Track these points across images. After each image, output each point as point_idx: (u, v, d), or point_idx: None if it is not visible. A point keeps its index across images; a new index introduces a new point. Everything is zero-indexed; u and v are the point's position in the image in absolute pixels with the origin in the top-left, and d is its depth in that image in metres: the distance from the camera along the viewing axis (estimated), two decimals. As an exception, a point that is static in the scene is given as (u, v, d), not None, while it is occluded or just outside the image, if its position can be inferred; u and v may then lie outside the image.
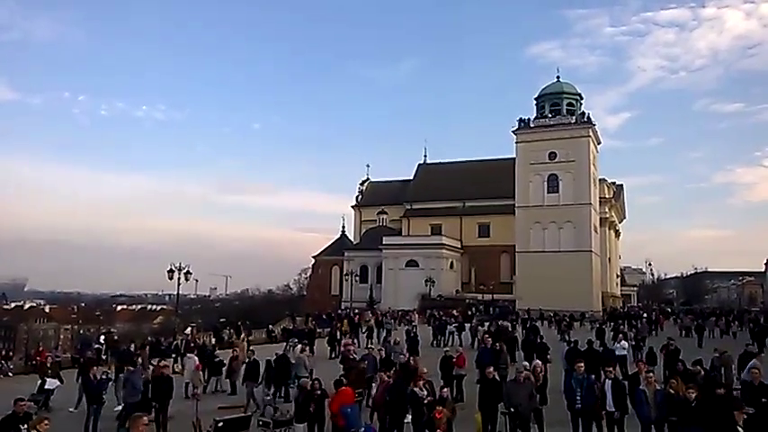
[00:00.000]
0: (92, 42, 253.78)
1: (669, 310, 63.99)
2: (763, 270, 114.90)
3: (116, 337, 31.80)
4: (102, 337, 30.33)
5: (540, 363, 14.88)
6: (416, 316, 45.78)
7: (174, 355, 24.82)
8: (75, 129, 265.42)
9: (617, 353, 20.54)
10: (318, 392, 11.35)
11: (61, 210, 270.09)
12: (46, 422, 8.00)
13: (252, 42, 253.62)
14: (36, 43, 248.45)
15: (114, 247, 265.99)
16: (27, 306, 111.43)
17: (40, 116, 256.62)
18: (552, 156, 67.33)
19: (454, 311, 48.70)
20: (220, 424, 10.53)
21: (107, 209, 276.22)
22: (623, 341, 22.05)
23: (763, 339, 27.32)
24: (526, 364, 13.63)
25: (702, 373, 12.89)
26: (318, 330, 34.40)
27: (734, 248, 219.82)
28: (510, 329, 30.73)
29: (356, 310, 53.22)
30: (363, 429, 8.53)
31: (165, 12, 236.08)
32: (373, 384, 13.59)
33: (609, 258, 76.40)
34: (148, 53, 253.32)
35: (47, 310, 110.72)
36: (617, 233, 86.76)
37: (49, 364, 20.60)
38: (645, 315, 45.19)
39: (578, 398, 10.98)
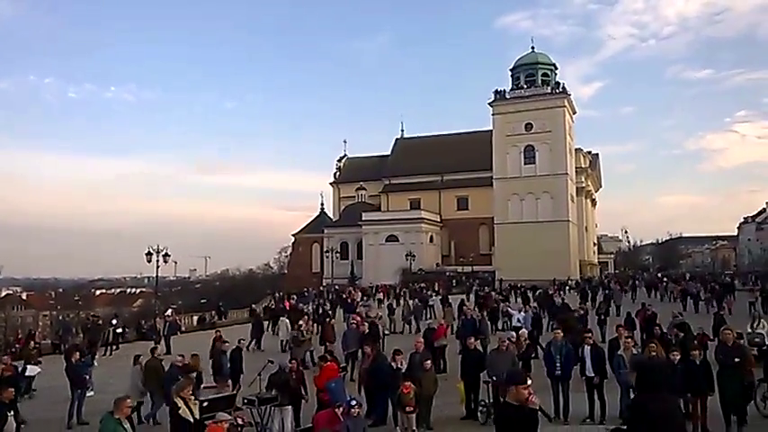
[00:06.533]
0: (54, 23, 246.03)
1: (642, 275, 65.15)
2: (735, 234, 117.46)
3: (99, 322, 31.60)
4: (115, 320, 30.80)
5: (525, 332, 15.06)
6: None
7: (154, 337, 24.82)
8: (44, 112, 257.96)
9: (513, 323, 20.02)
10: (295, 372, 11.40)
11: (35, 195, 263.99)
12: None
13: (221, 19, 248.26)
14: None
15: (91, 231, 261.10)
16: (3, 294, 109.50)
17: (6, 100, 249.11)
18: (528, 127, 67.59)
19: (435, 284, 49.21)
20: (205, 403, 10.46)
21: (81, 193, 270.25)
22: (521, 312, 20.96)
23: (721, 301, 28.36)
24: (512, 333, 13.77)
25: (681, 336, 13.16)
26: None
27: (707, 214, 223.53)
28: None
29: (336, 287, 53.39)
30: (347, 402, 8.60)
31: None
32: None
33: (586, 227, 77.47)
34: (114, 32, 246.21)
35: (24, 297, 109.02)
36: (593, 202, 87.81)
37: (33, 350, 20.40)
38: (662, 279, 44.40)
39: (557, 365, 11.19)
